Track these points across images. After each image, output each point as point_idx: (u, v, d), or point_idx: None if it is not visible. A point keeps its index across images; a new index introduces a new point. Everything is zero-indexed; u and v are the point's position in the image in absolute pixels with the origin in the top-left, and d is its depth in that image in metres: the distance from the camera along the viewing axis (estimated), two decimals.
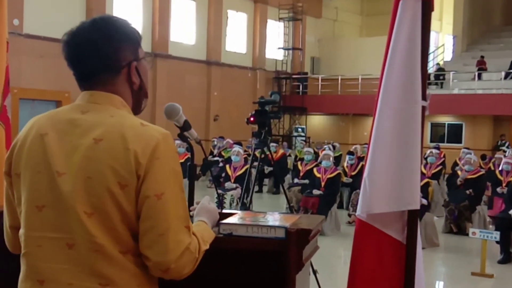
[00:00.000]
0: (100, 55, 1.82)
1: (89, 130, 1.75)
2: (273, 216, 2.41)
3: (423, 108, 2.55)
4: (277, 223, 2.20)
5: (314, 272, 5.74)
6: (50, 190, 1.74)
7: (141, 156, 1.70)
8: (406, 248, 2.58)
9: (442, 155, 17.69)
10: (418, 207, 2.56)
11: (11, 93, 3.51)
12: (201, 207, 2.08)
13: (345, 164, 13.93)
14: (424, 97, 2.55)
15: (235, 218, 2.31)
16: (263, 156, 5.87)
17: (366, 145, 18.37)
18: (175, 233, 1.71)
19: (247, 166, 6.50)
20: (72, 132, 1.77)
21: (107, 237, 1.71)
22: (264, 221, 2.25)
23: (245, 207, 5.96)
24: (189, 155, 9.21)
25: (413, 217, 2.57)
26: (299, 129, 29.96)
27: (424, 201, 8.55)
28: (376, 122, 2.60)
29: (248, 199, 5.91)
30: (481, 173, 11.51)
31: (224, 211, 2.59)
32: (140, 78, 1.91)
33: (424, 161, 14.27)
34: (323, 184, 10.99)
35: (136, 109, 1.93)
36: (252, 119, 5.48)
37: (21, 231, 1.81)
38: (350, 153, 14.11)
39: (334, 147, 18.87)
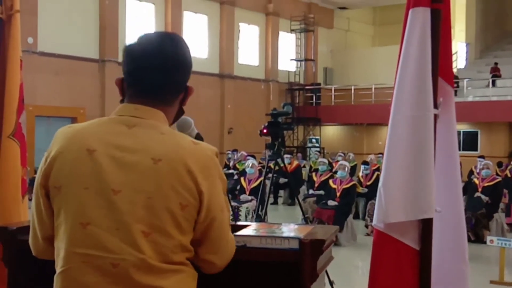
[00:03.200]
0: (167, 80, 1.85)
1: (144, 147, 1.74)
2: (288, 227, 2.41)
3: (435, 116, 2.55)
4: (291, 234, 2.20)
5: (331, 283, 5.72)
6: (99, 208, 1.72)
7: (201, 176, 1.74)
8: (421, 256, 2.57)
9: None
10: (432, 216, 2.55)
11: (26, 110, 3.54)
12: None
13: (360, 174, 13.88)
14: (435, 105, 2.55)
15: (249, 229, 2.32)
16: (277, 167, 5.87)
17: (381, 155, 18.32)
18: (228, 234, 1.88)
19: (262, 178, 6.52)
20: (123, 148, 1.75)
21: (160, 256, 1.72)
22: (279, 232, 2.25)
23: (260, 219, 5.96)
24: None
25: (427, 225, 2.56)
26: (313, 140, 29.93)
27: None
28: (390, 131, 2.60)
29: (263, 211, 5.90)
30: (497, 180, 11.42)
31: (239, 223, 2.60)
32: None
33: (460, 174, 14.18)
34: (338, 194, 10.96)
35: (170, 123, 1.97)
36: (265, 130, 5.50)
37: (62, 246, 1.77)
38: (365, 163, 14.07)
39: (344, 154, 18.89)
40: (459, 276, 2.73)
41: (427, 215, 2.54)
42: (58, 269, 1.79)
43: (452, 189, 2.72)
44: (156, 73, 1.83)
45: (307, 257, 2.09)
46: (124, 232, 1.70)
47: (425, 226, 2.56)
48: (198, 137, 2.29)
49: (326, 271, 5.69)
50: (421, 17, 2.52)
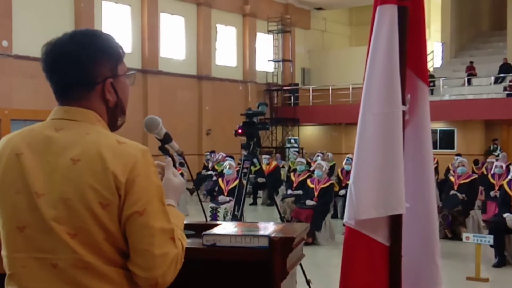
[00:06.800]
0: (75, 69, 1.79)
1: (66, 149, 1.73)
2: (262, 225, 2.41)
3: (403, 112, 2.57)
4: (260, 232, 2.20)
5: (308, 282, 5.73)
6: (30, 210, 1.72)
7: (121, 175, 1.69)
8: (391, 252, 2.58)
9: (435, 161, 17.74)
10: (403, 212, 2.56)
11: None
12: (168, 184, 2.02)
13: (340, 170, 13.84)
14: (404, 102, 2.56)
15: (220, 228, 2.31)
16: (253, 167, 5.88)
17: None
18: (160, 247, 1.71)
19: (244, 179, 6.54)
20: (48, 151, 1.74)
21: (93, 255, 1.70)
22: (250, 231, 2.24)
23: (236, 219, 5.95)
24: (182, 170, 9.09)
25: (396, 221, 2.57)
26: (292, 141, 30.00)
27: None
28: (359, 128, 2.61)
29: (239, 211, 5.90)
30: (473, 177, 11.53)
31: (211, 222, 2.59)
32: (116, 95, 1.87)
33: (433, 174, 14.29)
34: (316, 194, 10.99)
35: (112, 126, 1.89)
36: (240, 131, 5.49)
37: (4, 253, 1.78)
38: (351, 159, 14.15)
39: (323, 154, 18.98)
40: (429, 278, 2.74)
41: (398, 211, 2.55)
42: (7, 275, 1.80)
43: (423, 188, 2.73)
44: (53, 73, 1.83)
45: (276, 255, 2.09)
46: (55, 233, 1.70)
47: (394, 222, 2.57)
48: (167, 136, 2.27)
49: (303, 270, 5.71)
50: (388, 14, 2.52)
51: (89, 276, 1.70)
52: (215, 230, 2.26)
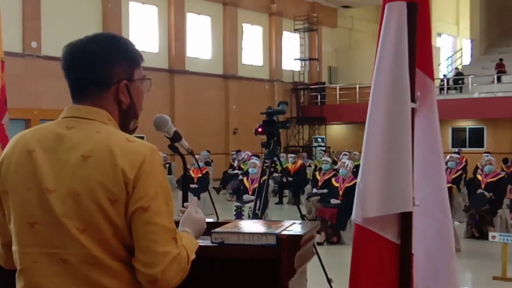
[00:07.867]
0: (91, 67, 1.84)
1: (76, 146, 1.77)
2: (287, 223, 2.40)
3: (413, 110, 2.55)
4: (269, 230, 2.20)
5: (329, 280, 5.72)
6: (41, 206, 1.75)
7: (129, 172, 1.72)
8: (400, 250, 2.56)
9: (463, 160, 17.54)
10: (410, 209, 2.53)
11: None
12: (187, 216, 2.06)
13: None
14: (413, 99, 2.54)
15: (229, 226, 2.32)
16: (273, 166, 5.87)
17: None
18: (162, 245, 1.73)
19: (265, 177, 6.54)
20: (59, 149, 1.78)
21: (102, 249, 1.73)
22: (268, 228, 2.24)
23: (256, 217, 5.96)
24: (207, 169, 9.16)
25: (406, 220, 2.55)
26: (319, 139, 29.92)
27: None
28: (367, 126, 2.61)
29: (260, 210, 5.90)
30: (501, 176, 11.37)
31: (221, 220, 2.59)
32: (130, 98, 1.91)
33: (444, 166, 14.15)
34: (341, 193, 10.94)
35: (124, 129, 1.92)
36: (260, 129, 5.50)
37: (15, 248, 1.82)
38: None
39: (349, 152, 18.88)
40: (447, 269, 2.72)
41: (405, 209, 2.53)
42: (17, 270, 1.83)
43: (436, 184, 2.71)
44: (70, 70, 1.88)
45: (284, 253, 2.09)
46: (65, 229, 1.73)
47: (404, 220, 2.55)
48: (176, 135, 2.28)
49: (324, 268, 5.69)
50: (397, 11, 2.51)
51: (98, 271, 1.73)
52: (223, 228, 2.27)
